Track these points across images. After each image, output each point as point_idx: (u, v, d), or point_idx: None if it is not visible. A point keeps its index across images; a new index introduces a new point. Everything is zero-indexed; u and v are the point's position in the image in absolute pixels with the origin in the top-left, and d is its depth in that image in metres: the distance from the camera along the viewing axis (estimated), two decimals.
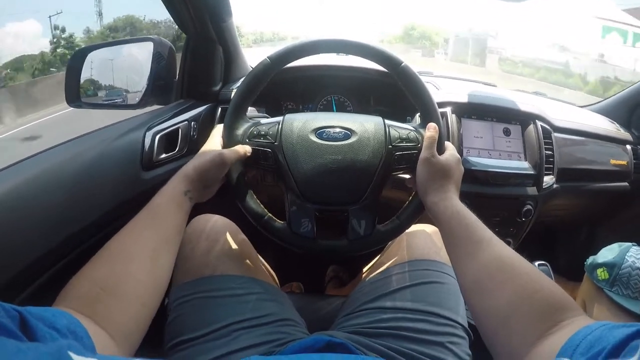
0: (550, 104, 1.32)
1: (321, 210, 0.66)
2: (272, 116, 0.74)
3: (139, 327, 0.46)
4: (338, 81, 1.17)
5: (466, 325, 0.66)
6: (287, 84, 1.14)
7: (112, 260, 0.47)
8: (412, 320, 0.63)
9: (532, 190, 1.03)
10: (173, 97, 0.98)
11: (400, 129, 0.69)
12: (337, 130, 0.68)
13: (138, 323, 0.46)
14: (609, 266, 0.83)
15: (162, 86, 0.92)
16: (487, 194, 1.00)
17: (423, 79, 0.69)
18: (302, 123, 0.68)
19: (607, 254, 0.86)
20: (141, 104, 0.88)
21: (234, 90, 0.76)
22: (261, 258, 0.80)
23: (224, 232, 0.73)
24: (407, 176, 0.71)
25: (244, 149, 0.66)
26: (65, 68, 0.85)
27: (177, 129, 0.86)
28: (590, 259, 0.89)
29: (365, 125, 0.68)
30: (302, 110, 1.18)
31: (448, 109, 1.02)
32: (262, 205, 0.68)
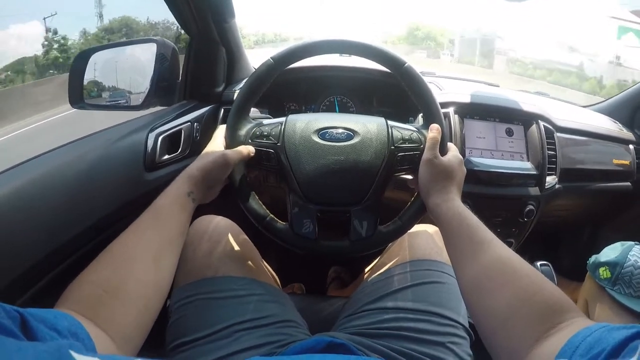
0: (552, 104, 1.32)
1: (323, 211, 0.66)
2: (275, 117, 0.74)
3: (141, 329, 0.46)
4: (341, 82, 1.17)
5: (467, 325, 0.66)
6: (289, 85, 1.14)
7: (115, 262, 0.47)
8: (414, 320, 0.63)
9: (534, 191, 1.03)
10: (176, 98, 0.98)
11: (403, 130, 0.69)
12: (340, 131, 0.68)
13: (140, 325, 0.45)
14: (611, 265, 0.82)
15: (165, 87, 0.92)
16: (489, 194, 1.00)
17: (426, 79, 0.69)
18: (305, 124, 0.68)
19: (610, 253, 0.86)
20: (144, 105, 0.88)
21: (237, 91, 0.76)
22: (263, 259, 0.80)
23: (226, 234, 0.73)
24: (410, 177, 0.71)
25: (247, 149, 0.66)
26: (69, 70, 0.85)
27: (180, 130, 0.87)
28: (592, 258, 0.89)
29: (367, 126, 0.68)
30: (305, 111, 1.19)
31: (451, 110, 1.02)
32: (264, 206, 0.68)
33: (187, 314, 0.62)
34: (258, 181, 0.98)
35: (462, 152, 0.99)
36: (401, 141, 0.67)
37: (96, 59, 0.85)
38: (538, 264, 1.04)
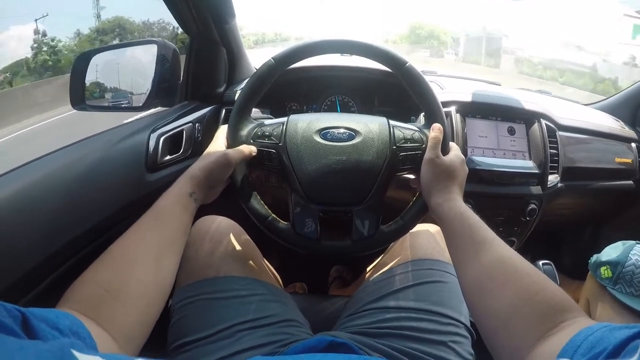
0: (554, 103, 1.31)
1: (325, 210, 0.67)
2: (276, 117, 0.74)
3: (142, 329, 0.46)
4: (342, 81, 1.17)
5: (469, 324, 0.66)
6: (291, 85, 1.14)
7: (116, 262, 0.47)
8: (415, 319, 0.63)
9: (536, 190, 1.03)
10: (177, 99, 0.98)
11: (405, 130, 0.69)
12: (342, 130, 0.68)
13: (141, 325, 0.46)
14: (613, 264, 0.82)
15: (166, 88, 0.93)
16: (491, 193, 1.00)
17: (427, 78, 0.69)
18: (307, 124, 0.68)
19: (611, 252, 0.85)
20: (145, 106, 0.89)
21: (238, 92, 0.76)
22: (265, 259, 0.80)
23: (227, 233, 0.73)
24: (412, 176, 0.71)
25: (249, 148, 0.66)
26: (70, 71, 0.86)
27: (182, 131, 0.87)
28: (594, 257, 0.89)
29: (369, 126, 0.68)
30: (306, 111, 1.19)
31: (452, 109, 1.02)
32: (266, 206, 0.68)
33: (189, 314, 0.62)
34: (260, 181, 0.98)
35: (464, 151, 0.99)
36: (403, 141, 0.67)
37: (97, 60, 0.85)
38: (540, 263, 1.04)
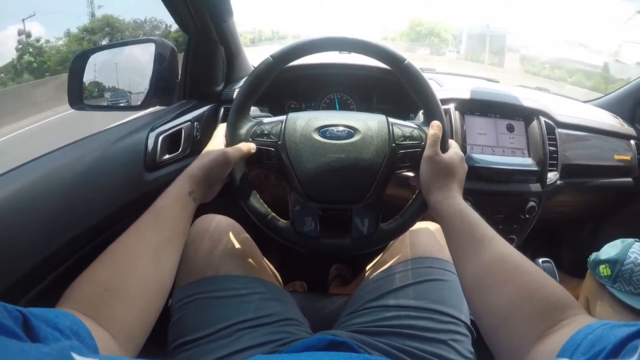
0: (553, 100, 1.31)
1: (324, 209, 0.66)
2: (275, 115, 0.74)
3: (142, 328, 0.46)
4: (341, 79, 1.17)
5: (469, 322, 0.66)
6: (289, 83, 1.14)
7: (116, 261, 0.47)
8: (415, 318, 0.63)
9: (535, 187, 1.03)
10: (175, 98, 0.98)
11: (404, 127, 0.68)
12: (341, 128, 0.68)
13: (141, 324, 0.46)
14: (612, 262, 0.82)
15: (164, 87, 0.92)
16: (490, 190, 1.00)
17: (426, 75, 0.69)
18: (306, 122, 0.68)
19: (610, 250, 0.86)
20: (143, 105, 0.88)
21: (237, 90, 0.76)
22: (264, 257, 0.80)
23: (227, 232, 0.73)
24: (411, 174, 0.71)
25: (247, 146, 0.66)
26: (68, 70, 0.85)
27: (180, 130, 0.87)
28: (592, 256, 0.89)
29: (368, 124, 0.68)
30: (305, 109, 1.19)
31: (451, 106, 1.02)
32: (265, 205, 0.68)
33: (189, 313, 0.62)
34: (259, 180, 0.98)
35: (463, 149, 0.99)
36: (402, 138, 0.67)
37: (95, 59, 0.85)
38: (540, 260, 1.04)
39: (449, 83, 1.16)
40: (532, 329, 0.41)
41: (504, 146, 1.03)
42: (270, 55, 0.68)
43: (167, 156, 0.82)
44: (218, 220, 0.75)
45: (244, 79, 0.70)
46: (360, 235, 0.66)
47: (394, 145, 0.67)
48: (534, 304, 0.43)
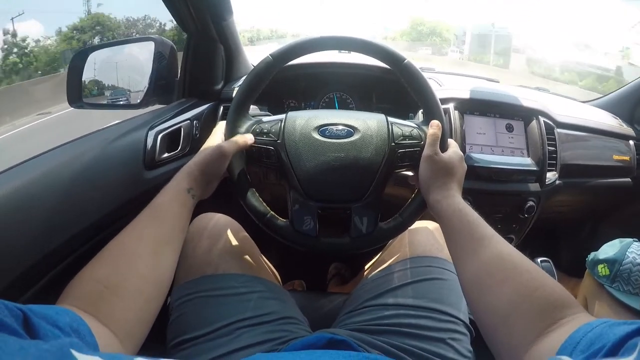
0: (552, 100, 1.31)
1: (324, 208, 0.66)
2: (275, 114, 0.74)
3: (142, 325, 0.46)
4: (340, 78, 1.17)
5: (468, 321, 0.66)
6: (289, 82, 1.14)
7: (115, 258, 0.47)
8: (414, 316, 0.63)
9: (534, 187, 1.03)
10: (175, 97, 0.98)
11: (403, 126, 0.69)
12: (340, 127, 0.68)
13: (141, 321, 0.46)
14: (610, 262, 0.83)
15: (163, 86, 0.92)
16: (489, 190, 1.00)
17: (425, 75, 0.69)
18: (305, 121, 0.68)
19: (608, 250, 0.86)
20: (143, 103, 0.88)
21: (236, 89, 0.76)
22: (263, 256, 0.80)
23: (225, 231, 0.73)
24: (410, 173, 0.71)
25: (244, 138, 0.65)
26: (67, 69, 0.85)
27: (180, 128, 0.87)
28: (591, 255, 0.89)
29: (368, 123, 0.68)
30: (305, 108, 1.18)
31: (451, 105, 1.02)
32: (264, 203, 0.68)
33: (188, 311, 0.62)
34: (258, 178, 0.98)
35: (462, 148, 0.99)
36: (401, 138, 0.67)
37: (94, 58, 0.85)
38: (538, 260, 1.04)
39: (448, 82, 1.16)
40: (531, 327, 0.41)
41: (503, 146, 1.03)
42: (270, 54, 0.68)
43: (166, 154, 0.82)
44: (217, 219, 0.75)
45: (243, 78, 0.70)
46: (359, 234, 0.66)
47: (393, 144, 0.67)
48: (533, 303, 0.43)
